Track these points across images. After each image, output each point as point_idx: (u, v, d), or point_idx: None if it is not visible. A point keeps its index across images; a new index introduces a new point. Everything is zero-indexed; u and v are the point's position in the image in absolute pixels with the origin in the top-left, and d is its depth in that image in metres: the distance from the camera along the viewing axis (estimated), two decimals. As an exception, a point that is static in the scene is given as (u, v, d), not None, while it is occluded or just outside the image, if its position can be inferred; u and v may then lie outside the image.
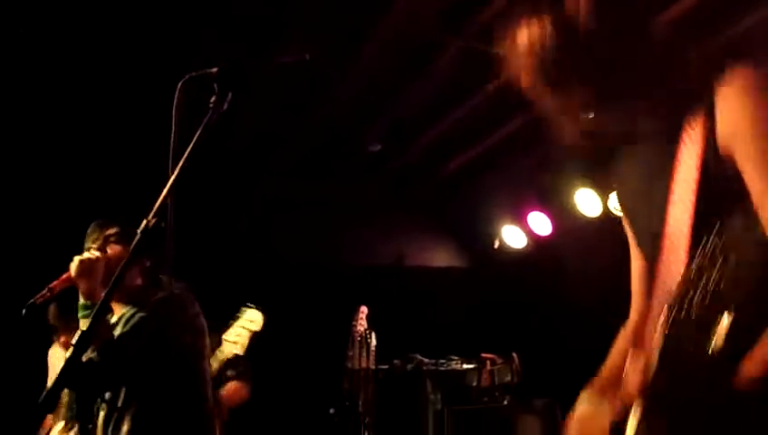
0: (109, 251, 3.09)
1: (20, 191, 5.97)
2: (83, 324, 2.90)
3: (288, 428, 5.98)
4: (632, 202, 1.99)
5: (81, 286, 2.94)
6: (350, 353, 6.08)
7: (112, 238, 3.13)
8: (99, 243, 3.13)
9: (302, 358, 6.38)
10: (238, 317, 4.59)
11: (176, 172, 2.01)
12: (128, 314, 3.13)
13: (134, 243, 1.93)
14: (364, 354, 6.02)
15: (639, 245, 2.00)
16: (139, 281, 3.20)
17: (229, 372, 4.84)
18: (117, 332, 3.09)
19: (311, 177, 7.03)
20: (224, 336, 4.57)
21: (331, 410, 6.00)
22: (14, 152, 5.84)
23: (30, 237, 5.93)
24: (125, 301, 3.20)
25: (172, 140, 2.14)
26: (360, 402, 5.91)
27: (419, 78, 5.66)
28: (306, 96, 5.82)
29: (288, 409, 5.11)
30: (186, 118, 2.19)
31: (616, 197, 2.09)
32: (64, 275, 2.98)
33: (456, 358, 6.19)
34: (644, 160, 1.89)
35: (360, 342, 6.06)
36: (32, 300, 2.93)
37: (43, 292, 2.96)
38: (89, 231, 3.23)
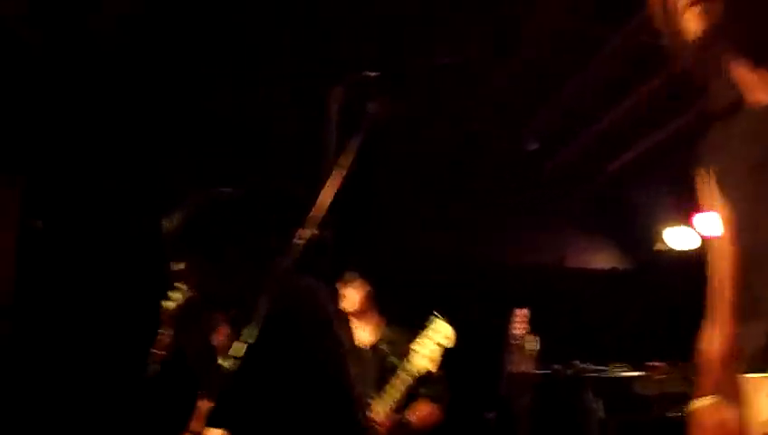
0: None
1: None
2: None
3: (443, 432, 5.92)
4: (736, 183, 1.72)
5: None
6: (509, 357, 5.94)
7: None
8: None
9: (458, 360, 6.29)
10: (426, 327, 4.14)
11: (335, 181, 1.96)
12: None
13: (297, 254, 1.89)
14: (523, 358, 5.86)
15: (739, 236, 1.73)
16: None
17: (423, 390, 4.30)
18: None
19: (469, 176, 6.93)
20: (413, 346, 4.13)
21: (488, 415, 5.88)
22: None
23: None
24: None
25: (329, 147, 2.10)
26: (518, 408, 5.77)
27: (579, 75, 5.45)
28: (463, 96, 5.73)
29: (444, 412, 5.02)
30: (341, 124, 2.14)
31: (715, 175, 1.83)
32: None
33: (619, 365, 5.93)
34: (753, 137, 1.65)
35: (518, 345, 5.91)
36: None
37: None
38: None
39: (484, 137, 6.45)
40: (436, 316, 4.15)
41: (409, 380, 4.06)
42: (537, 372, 5.82)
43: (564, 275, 7.28)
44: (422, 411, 4.30)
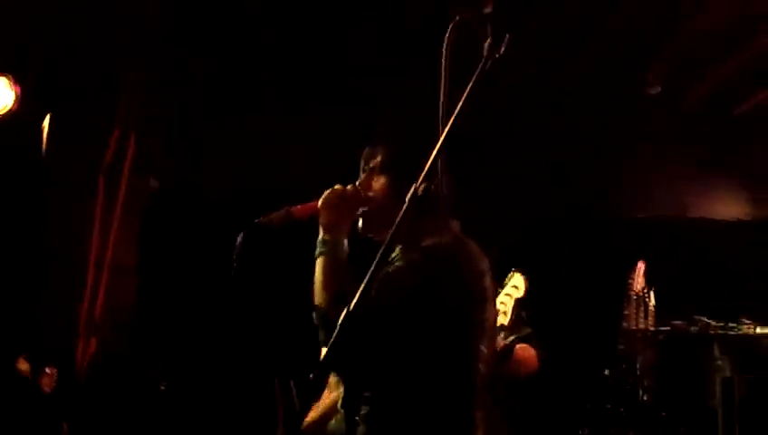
0: (373, 184, 2.52)
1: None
2: (319, 264, 2.36)
3: (559, 389, 5.76)
4: None
5: (322, 218, 2.41)
6: (626, 313, 5.73)
7: (376, 170, 2.53)
8: (364, 175, 2.58)
9: (574, 317, 6.09)
10: (505, 283, 4.17)
11: (446, 130, 1.77)
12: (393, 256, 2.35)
13: (401, 212, 1.72)
14: (642, 314, 5.65)
15: None
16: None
17: (511, 339, 4.06)
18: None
19: (578, 121, 6.59)
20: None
21: (606, 372, 5.69)
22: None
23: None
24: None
25: (442, 92, 1.90)
26: (638, 365, 5.57)
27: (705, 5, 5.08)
28: (578, 33, 5.44)
29: (559, 370, 4.85)
30: (454, 66, 1.94)
31: None
32: (311, 203, 2.47)
33: (748, 321, 5.61)
34: None
35: (636, 300, 5.70)
36: (263, 217, 2.42)
37: (280, 212, 2.45)
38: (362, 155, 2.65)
39: (600, 79, 6.12)
40: (513, 271, 4.02)
41: None
42: (658, 328, 5.59)
43: (687, 225, 6.90)
44: (525, 349, 4.08)
